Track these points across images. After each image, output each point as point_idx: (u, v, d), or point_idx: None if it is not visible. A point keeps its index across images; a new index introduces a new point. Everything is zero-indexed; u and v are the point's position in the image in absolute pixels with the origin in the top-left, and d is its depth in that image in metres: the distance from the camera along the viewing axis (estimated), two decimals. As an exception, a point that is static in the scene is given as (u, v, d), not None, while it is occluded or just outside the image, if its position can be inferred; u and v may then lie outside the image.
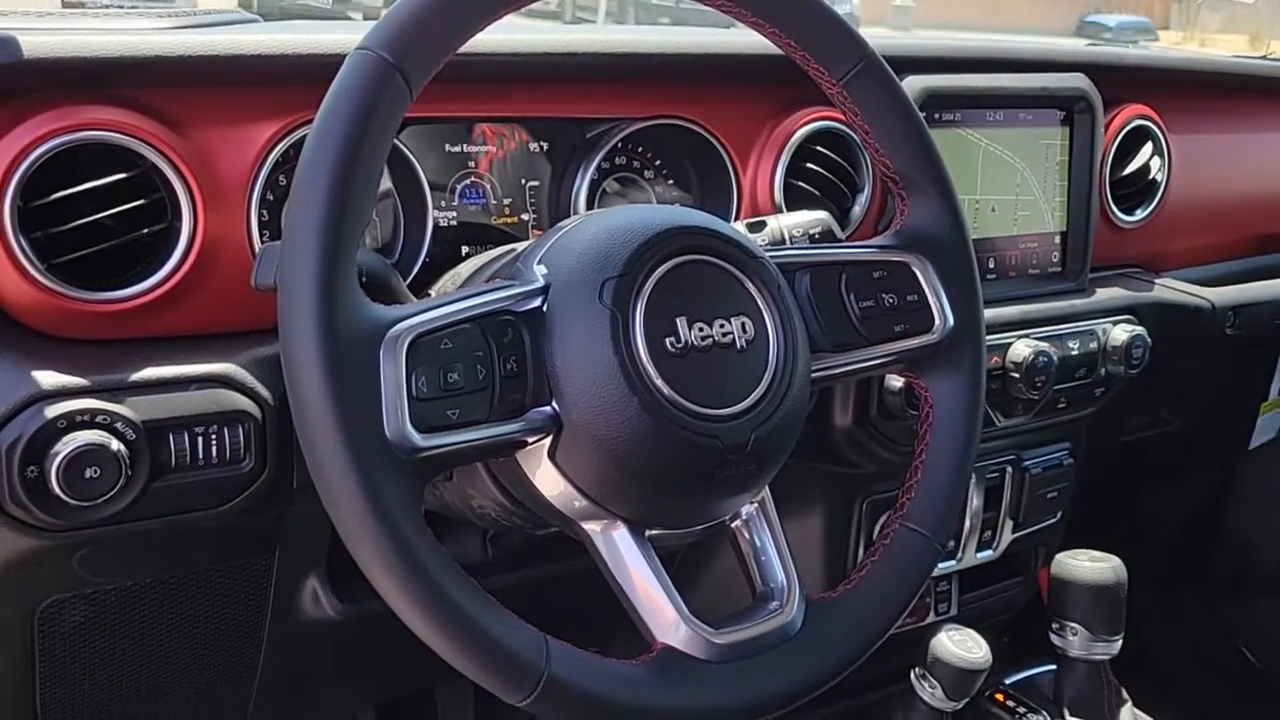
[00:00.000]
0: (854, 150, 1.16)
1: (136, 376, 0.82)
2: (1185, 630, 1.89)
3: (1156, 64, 1.50)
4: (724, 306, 0.75)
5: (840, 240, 0.99)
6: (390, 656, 1.16)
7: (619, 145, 1.08)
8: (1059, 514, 1.40)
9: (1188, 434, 1.67)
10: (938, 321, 0.88)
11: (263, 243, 0.89)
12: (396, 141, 0.95)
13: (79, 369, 0.81)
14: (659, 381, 0.71)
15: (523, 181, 1.06)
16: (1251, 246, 1.59)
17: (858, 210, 1.16)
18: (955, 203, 0.90)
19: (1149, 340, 1.30)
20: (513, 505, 0.81)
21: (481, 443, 0.70)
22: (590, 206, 1.07)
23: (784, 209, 1.10)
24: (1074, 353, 1.25)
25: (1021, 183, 1.29)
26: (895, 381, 1.12)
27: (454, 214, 1.03)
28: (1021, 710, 1.24)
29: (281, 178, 0.91)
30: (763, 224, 0.97)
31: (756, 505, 0.82)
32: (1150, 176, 1.40)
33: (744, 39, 1.02)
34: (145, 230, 0.85)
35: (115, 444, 0.78)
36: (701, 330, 0.74)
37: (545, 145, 1.07)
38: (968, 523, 1.31)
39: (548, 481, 0.74)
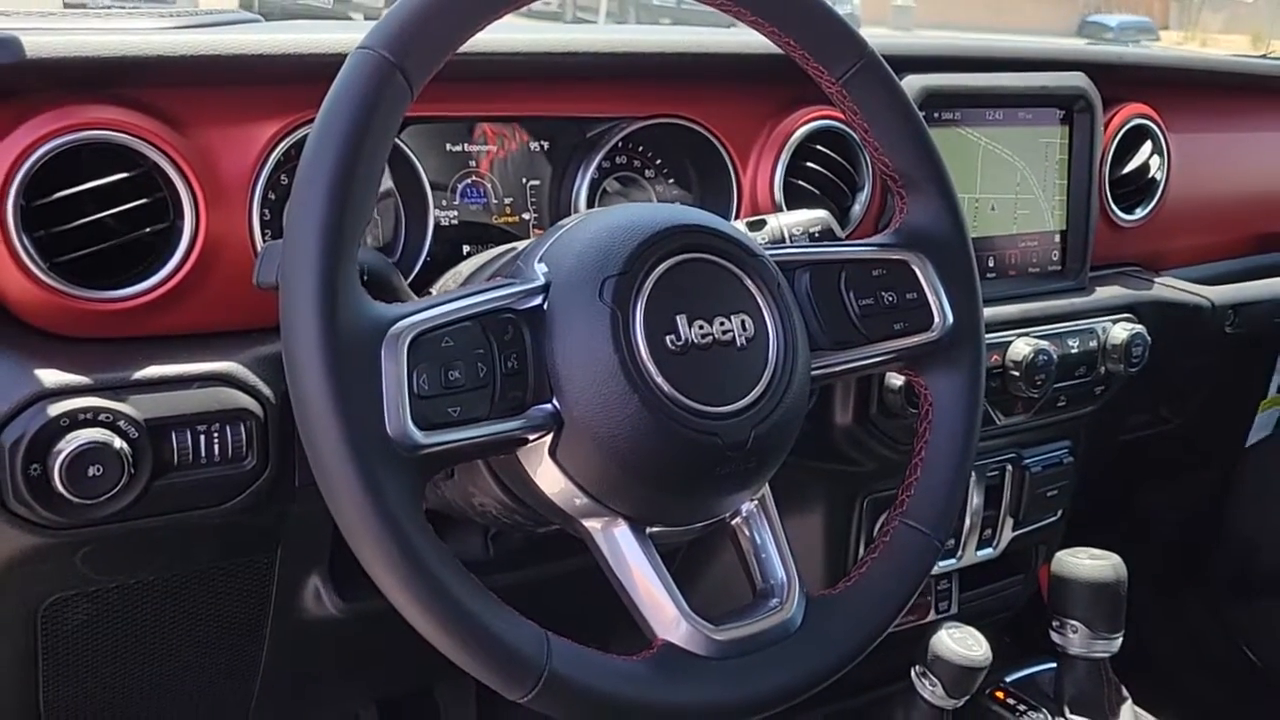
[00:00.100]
0: (854, 149, 1.16)
1: (139, 375, 0.82)
2: (1185, 629, 1.89)
3: (1156, 63, 1.51)
4: (724, 304, 0.76)
5: (840, 239, 1.00)
6: (392, 654, 1.16)
7: (619, 144, 1.08)
8: (1059, 512, 1.41)
9: (1187, 432, 1.67)
10: (937, 320, 0.89)
11: (264, 242, 0.89)
12: (398, 141, 0.96)
13: (82, 367, 0.81)
14: (659, 379, 0.71)
15: (523, 181, 1.07)
16: (1251, 245, 1.59)
17: (857, 209, 1.16)
18: (954, 201, 0.90)
19: (1149, 339, 1.30)
20: (514, 503, 0.82)
21: (482, 440, 0.70)
22: (591, 205, 1.07)
23: (784, 208, 1.10)
24: (1074, 351, 1.26)
25: (1021, 182, 1.29)
26: (895, 380, 1.12)
27: (455, 213, 1.03)
28: (1022, 708, 1.24)
29: (283, 177, 0.92)
30: (763, 223, 0.97)
31: (757, 503, 0.82)
32: (1150, 175, 1.40)
33: (744, 38, 1.02)
34: (147, 229, 0.85)
35: (118, 442, 0.78)
36: (701, 328, 0.74)
37: (546, 144, 1.08)
38: (968, 521, 1.31)
39: (548, 479, 0.75)
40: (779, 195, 1.11)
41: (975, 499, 1.31)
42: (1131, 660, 1.23)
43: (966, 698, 1.14)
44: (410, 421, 0.66)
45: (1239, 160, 1.56)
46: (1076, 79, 1.29)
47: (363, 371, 0.65)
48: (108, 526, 0.81)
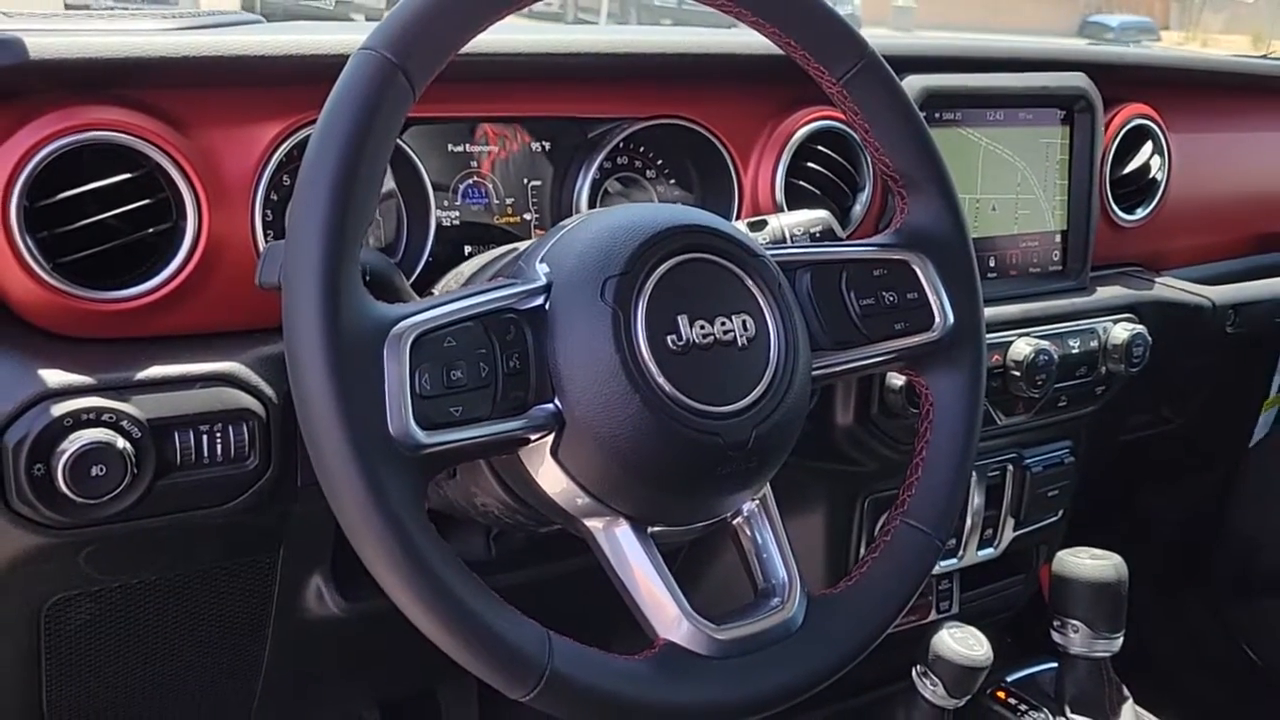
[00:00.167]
0: (854, 149, 1.16)
1: (142, 375, 0.82)
2: (1187, 628, 1.89)
3: (1156, 63, 1.51)
4: (725, 304, 0.76)
5: (841, 239, 1.00)
6: (394, 655, 1.16)
7: (621, 145, 1.08)
8: (1060, 512, 1.41)
9: (1189, 432, 1.67)
10: (938, 319, 0.89)
11: (267, 242, 0.89)
12: (399, 141, 0.96)
13: (85, 368, 0.81)
14: (660, 379, 0.72)
15: (525, 181, 1.07)
16: (1252, 245, 1.59)
17: (858, 209, 1.17)
18: (955, 201, 0.90)
19: (1149, 339, 1.30)
20: (515, 503, 0.82)
21: (484, 440, 0.70)
22: (592, 206, 1.08)
23: (785, 208, 1.10)
24: (1074, 351, 1.26)
25: (1022, 182, 1.29)
26: (896, 380, 1.12)
27: (457, 214, 1.03)
28: (1023, 708, 1.25)
29: (285, 178, 0.92)
30: (764, 223, 0.97)
31: (758, 502, 0.82)
32: (1150, 175, 1.40)
33: (745, 39, 1.02)
34: (150, 230, 0.85)
35: (121, 442, 0.78)
36: (703, 328, 0.74)
37: (547, 145, 1.08)
38: (969, 521, 1.31)
39: (550, 478, 0.75)
40: (780, 195, 1.11)
41: (976, 499, 1.31)
42: (1132, 660, 1.23)
43: (968, 697, 1.14)
44: (412, 421, 0.66)
45: (1240, 160, 1.56)
46: (1077, 79, 1.29)
47: (365, 371, 0.65)
48: (111, 526, 0.81)
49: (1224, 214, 1.54)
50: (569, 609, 0.85)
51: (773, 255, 0.81)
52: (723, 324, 0.75)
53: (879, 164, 0.90)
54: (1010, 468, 1.34)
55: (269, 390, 0.86)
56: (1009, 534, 1.36)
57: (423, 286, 0.95)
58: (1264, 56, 2.00)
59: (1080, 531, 1.41)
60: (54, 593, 0.90)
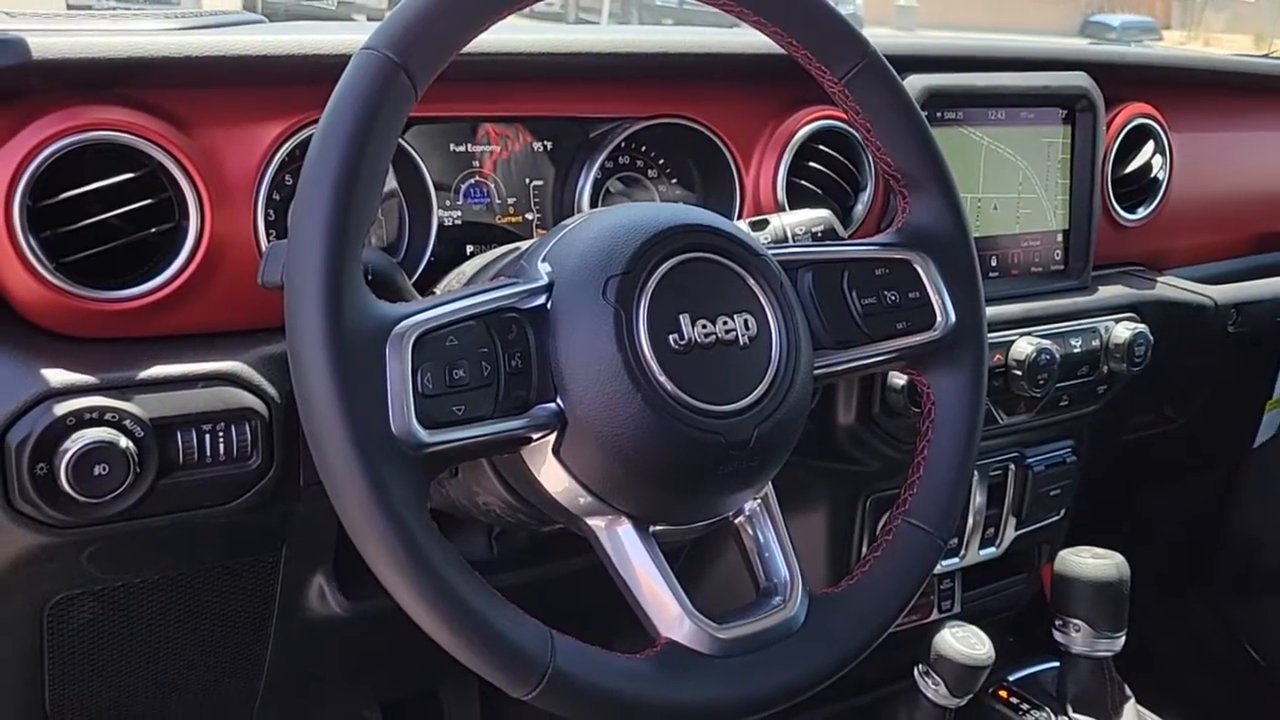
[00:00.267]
0: (856, 149, 1.16)
1: (144, 374, 0.83)
2: (1189, 628, 1.89)
3: (1158, 62, 1.51)
4: (727, 304, 0.76)
5: (842, 238, 1.00)
6: (396, 655, 1.16)
7: (622, 145, 1.08)
8: (1062, 511, 1.41)
9: (1191, 432, 1.67)
10: (939, 319, 0.89)
11: (269, 242, 0.90)
12: (401, 141, 0.96)
13: (87, 367, 0.81)
14: (662, 378, 0.72)
15: (527, 181, 1.07)
16: (1253, 244, 1.59)
17: (860, 209, 1.17)
18: (957, 200, 0.90)
19: (1151, 338, 1.30)
20: (518, 502, 0.82)
21: (486, 439, 0.70)
22: (594, 206, 1.08)
23: (786, 207, 1.10)
24: (1076, 350, 1.26)
25: (1024, 181, 1.29)
26: (898, 379, 1.12)
27: (459, 213, 1.04)
28: (1025, 707, 1.25)
29: (288, 177, 0.92)
30: (765, 222, 0.97)
31: (759, 501, 0.82)
32: (1152, 175, 1.40)
33: (746, 38, 1.02)
34: (153, 230, 0.85)
35: (124, 441, 0.78)
36: (704, 327, 0.74)
37: (549, 145, 1.08)
38: (971, 520, 1.31)
39: (552, 478, 0.75)
40: (781, 195, 1.11)
41: (978, 498, 1.31)
42: (1134, 659, 1.23)
43: (969, 697, 1.14)
44: (415, 420, 0.66)
45: (1241, 160, 1.56)
46: (1079, 79, 1.29)
47: (367, 370, 0.66)
48: (113, 525, 0.81)
49: (1226, 213, 1.54)
50: (571, 608, 0.85)
51: (774, 254, 0.82)
52: (724, 323, 0.75)
53: (880, 163, 0.90)
54: (1012, 467, 1.34)
55: (271, 390, 0.86)
56: (1011, 533, 1.36)
57: (425, 286, 0.95)
58: (1266, 56, 2.00)
59: (1082, 531, 1.41)
60: (57, 592, 0.90)
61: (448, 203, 1.03)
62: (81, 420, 0.78)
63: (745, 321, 0.76)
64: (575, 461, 0.73)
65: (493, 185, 1.05)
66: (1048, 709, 1.23)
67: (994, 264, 1.28)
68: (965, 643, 1.12)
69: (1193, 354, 1.45)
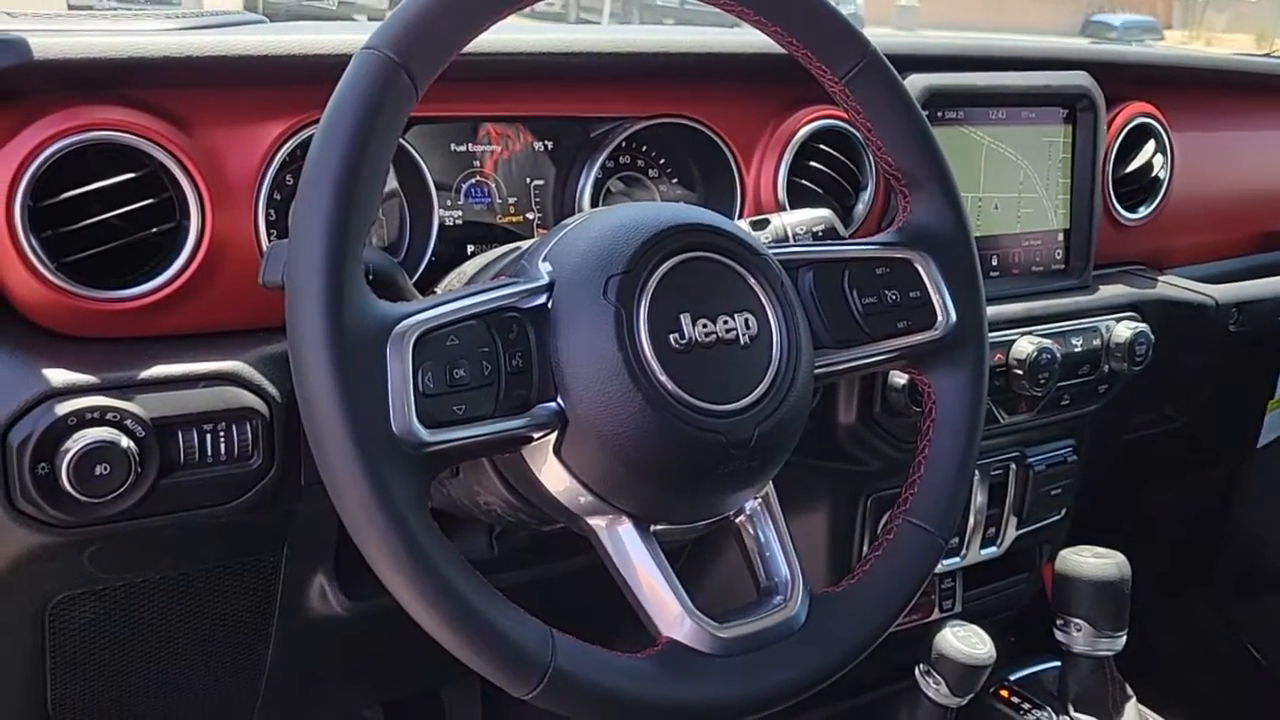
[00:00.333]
0: (857, 148, 1.16)
1: (146, 374, 0.83)
2: (1190, 627, 1.89)
3: (1158, 61, 1.51)
4: (727, 303, 0.76)
5: (843, 238, 1.00)
6: (397, 654, 1.16)
7: (623, 144, 1.08)
8: (1063, 511, 1.41)
9: (1193, 431, 1.67)
10: (940, 318, 0.89)
11: (270, 241, 0.90)
12: (402, 141, 0.96)
13: (89, 367, 0.81)
14: (663, 377, 0.72)
15: (528, 180, 1.07)
16: (1254, 244, 1.59)
17: (861, 208, 1.17)
18: (957, 199, 0.90)
19: (1152, 337, 1.30)
20: (518, 501, 0.82)
21: (487, 438, 0.70)
22: (595, 205, 1.08)
23: (787, 207, 1.10)
24: (1077, 350, 1.26)
25: (1024, 180, 1.29)
26: (899, 378, 1.12)
27: (459, 213, 1.04)
28: (1026, 706, 1.25)
29: (289, 177, 0.92)
30: (766, 222, 0.97)
31: (760, 501, 0.82)
32: (1153, 174, 1.40)
33: (747, 38, 1.02)
34: (154, 229, 0.86)
35: (125, 441, 0.79)
36: (705, 326, 0.74)
37: (550, 144, 1.08)
38: (972, 519, 1.31)
39: (553, 477, 0.75)
40: (782, 194, 1.11)
41: (979, 497, 1.31)
42: (1136, 659, 1.23)
43: (971, 696, 1.14)
44: (415, 419, 0.66)
45: (1242, 159, 1.56)
46: (1079, 78, 1.29)
47: (368, 370, 0.66)
48: (114, 525, 0.81)
49: (1227, 212, 1.54)
50: (572, 607, 0.85)
51: (775, 254, 0.82)
52: (725, 322, 0.75)
53: (881, 163, 0.90)
54: (1013, 466, 1.34)
55: (272, 389, 0.86)
56: (1012, 533, 1.36)
57: (425, 286, 0.95)
58: (1267, 55, 2.00)
59: (1083, 530, 1.41)
60: (58, 591, 0.90)
61: (448, 202, 1.03)
62: (83, 420, 0.78)
63: (746, 321, 0.76)
64: (576, 461, 0.73)
65: (493, 185, 1.05)
66: (1049, 708, 1.23)
67: (995, 263, 1.28)
68: (966, 642, 1.12)
69: (1194, 353, 1.45)
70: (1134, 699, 1.21)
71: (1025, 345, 1.20)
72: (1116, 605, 1.18)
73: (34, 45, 0.81)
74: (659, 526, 0.77)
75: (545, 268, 0.74)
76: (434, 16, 0.70)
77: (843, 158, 1.16)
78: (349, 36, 0.92)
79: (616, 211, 0.78)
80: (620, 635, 0.76)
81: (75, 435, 0.78)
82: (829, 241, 0.97)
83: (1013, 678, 1.29)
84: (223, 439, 0.83)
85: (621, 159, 1.11)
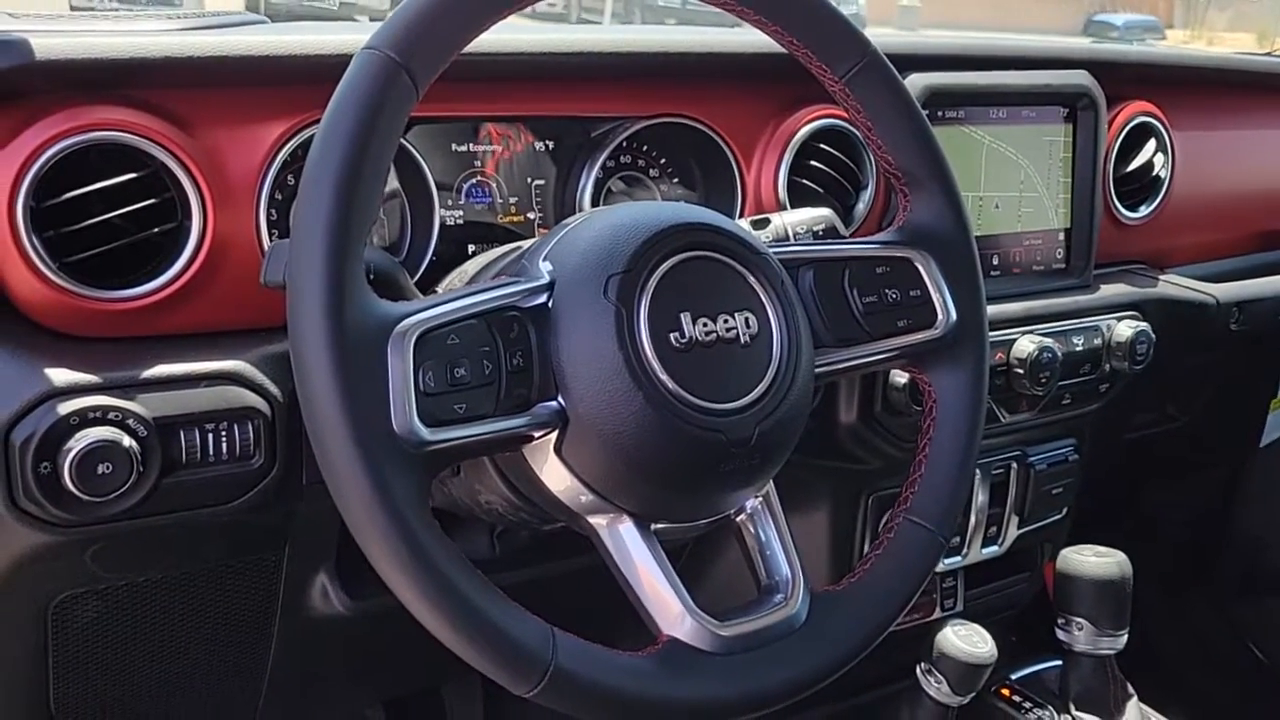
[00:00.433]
0: (857, 148, 1.16)
1: (148, 374, 0.83)
2: (1192, 626, 1.89)
3: (1159, 60, 1.51)
4: (728, 302, 0.76)
5: (843, 237, 1.00)
6: (399, 653, 1.16)
7: (624, 144, 1.08)
8: (1064, 510, 1.41)
9: (1194, 430, 1.67)
10: (940, 317, 0.89)
11: (271, 241, 0.90)
12: (403, 141, 0.96)
13: (91, 366, 0.81)
14: (663, 376, 0.72)
15: (528, 180, 1.07)
16: (1255, 243, 1.59)
17: (861, 207, 1.17)
18: (957, 198, 0.90)
19: (1153, 336, 1.30)
20: (519, 500, 0.82)
21: (488, 437, 0.70)
22: (595, 205, 1.08)
23: (788, 206, 1.10)
24: (1078, 349, 1.26)
25: (1025, 180, 1.29)
26: (900, 377, 1.12)
27: (460, 213, 1.04)
28: (1027, 705, 1.25)
29: (290, 177, 0.92)
30: (766, 221, 0.97)
31: (761, 499, 0.82)
32: (1154, 173, 1.40)
33: (747, 38, 1.02)
34: (155, 229, 0.86)
35: (127, 440, 0.79)
36: (705, 325, 0.74)
37: (551, 144, 1.08)
38: (973, 519, 1.31)
39: (554, 476, 0.75)
40: (783, 194, 1.11)
41: (980, 497, 1.31)
42: (1137, 658, 1.23)
43: (972, 695, 1.14)
44: (416, 418, 0.66)
45: (1243, 158, 1.56)
46: (1080, 77, 1.29)
47: (369, 369, 0.66)
48: (117, 524, 0.81)
49: (1228, 212, 1.54)
50: (573, 606, 0.85)
51: (775, 253, 0.82)
52: (725, 321, 0.75)
53: (881, 162, 0.90)
54: (1014, 465, 1.34)
55: (274, 389, 0.86)
56: (1013, 532, 1.36)
57: (426, 285, 0.95)
58: (1268, 54, 2.00)
59: (1085, 529, 1.41)
60: (61, 590, 0.91)
61: (450, 202, 1.03)
62: (85, 419, 0.78)
63: (746, 320, 0.76)
64: (577, 460, 0.73)
65: (494, 185, 1.06)
66: (1050, 707, 1.23)
67: (995, 262, 1.28)
68: (968, 641, 1.12)
69: (1195, 352, 1.45)
70: (1135, 698, 1.21)
71: (1026, 344, 1.20)
72: (1118, 604, 1.18)
73: (36, 46, 0.81)
74: (660, 525, 0.78)
75: (546, 267, 0.74)
76: (435, 16, 0.70)
77: (843, 157, 1.16)
78: (350, 36, 0.92)
79: (617, 211, 0.79)
80: (621, 634, 0.76)
81: (77, 435, 0.78)
82: (829, 240, 0.97)
83: (1014, 677, 1.29)
84: (224, 438, 0.83)
85: (622, 159, 1.11)
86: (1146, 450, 1.66)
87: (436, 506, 0.85)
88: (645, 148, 1.12)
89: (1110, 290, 1.34)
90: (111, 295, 0.84)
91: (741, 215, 1.11)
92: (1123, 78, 1.37)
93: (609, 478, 0.74)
